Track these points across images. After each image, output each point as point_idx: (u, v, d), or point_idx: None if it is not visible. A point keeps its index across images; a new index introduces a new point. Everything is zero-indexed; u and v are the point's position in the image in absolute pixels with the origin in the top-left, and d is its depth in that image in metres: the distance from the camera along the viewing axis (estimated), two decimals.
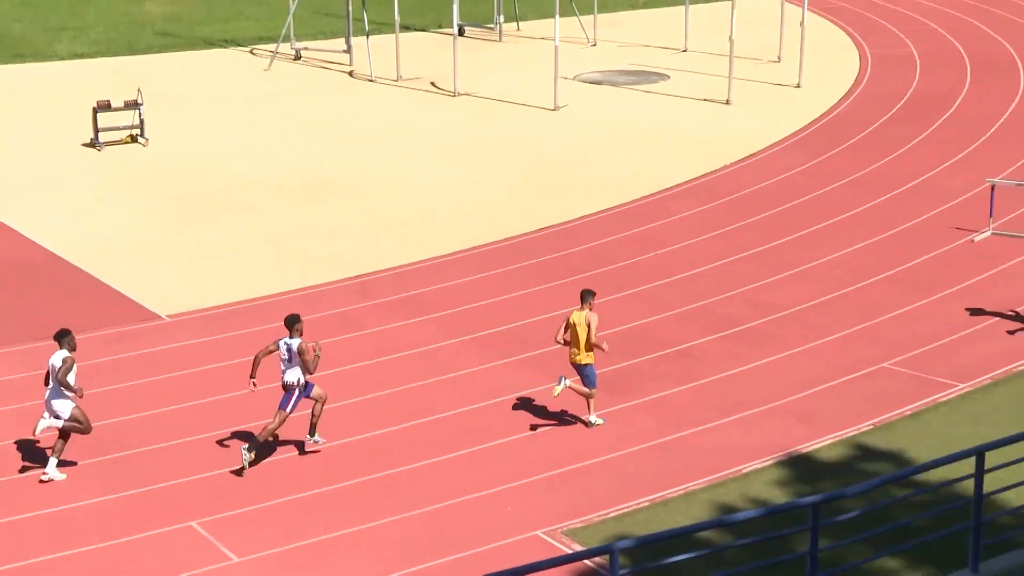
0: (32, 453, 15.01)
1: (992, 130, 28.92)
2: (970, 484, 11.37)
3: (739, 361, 17.28)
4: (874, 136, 28.80)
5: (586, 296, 15.34)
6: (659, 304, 19.23)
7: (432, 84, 35.10)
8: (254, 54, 39.53)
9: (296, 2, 39.07)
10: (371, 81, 35.55)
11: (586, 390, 15.47)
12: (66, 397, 14.24)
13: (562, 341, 15.40)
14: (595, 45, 39.78)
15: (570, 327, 15.27)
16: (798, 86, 33.52)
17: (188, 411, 16.10)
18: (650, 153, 27.95)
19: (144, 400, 16.45)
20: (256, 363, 14.56)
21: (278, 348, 14.55)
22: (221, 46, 40.77)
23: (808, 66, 33.96)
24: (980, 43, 38.22)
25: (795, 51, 34.50)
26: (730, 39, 32.26)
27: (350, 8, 37.84)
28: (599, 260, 21.30)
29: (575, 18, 40.57)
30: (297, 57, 38.75)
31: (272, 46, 39.02)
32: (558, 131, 30.00)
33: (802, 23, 34.18)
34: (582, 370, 15.33)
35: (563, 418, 15.80)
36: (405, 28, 40.48)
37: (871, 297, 19.34)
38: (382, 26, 40.36)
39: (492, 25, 42.15)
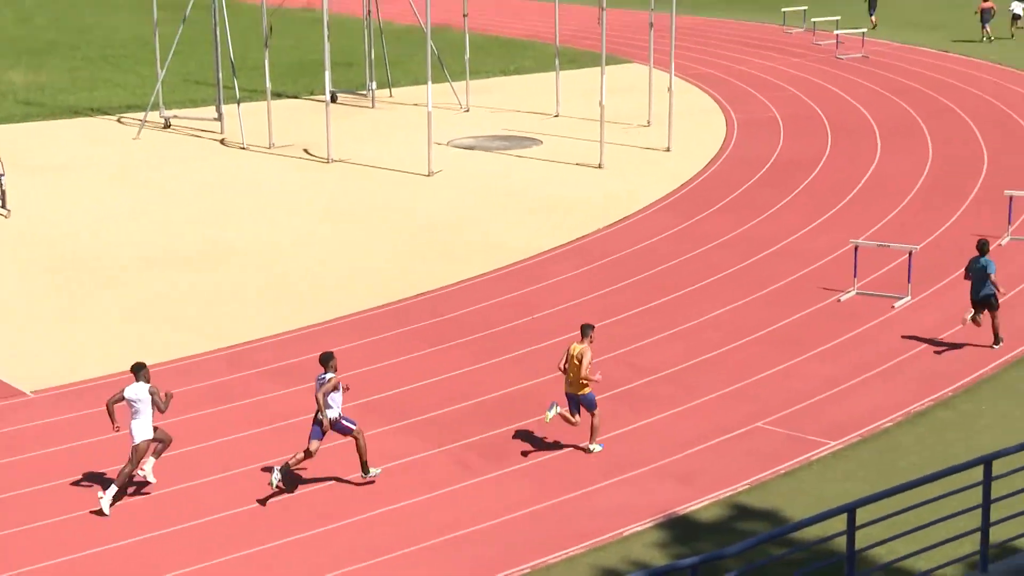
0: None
1: (853, 192, 29.81)
2: (843, 541, 11.57)
3: (618, 423, 17.42)
4: (742, 199, 29.47)
5: (586, 330, 16.37)
6: (538, 368, 19.32)
7: (305, 151, 35.06)
8: (122, 123, 39.06)
9: (164, 70, 38.80)
10: (243, 148, 35.37)
11: (575, 420, 16.38)
12: (150, 425, 15.00)
13: (562, 368, 16.37)
14: (468, 111, 40.16)
15: (569, 358, 16.27)
16: (668, 150, 34.22)
17: (52, 490, 15.63)
18: (525, 217, 28.21)
19: (7, 481, 15.94)
20: (318, 408, 15.18)
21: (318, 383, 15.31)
22: (87, 115, 40.22)
23: (677, 131, 34.72)
24: (840, 109, 39.51)
25: (664, 116, 35.25)
26: (600, 104, 32.83)
27: (220, 76, 37.71)
28: (477, 324, 21.38)
29: (448, 84, 40.94)
30: (167, 125, 38.43)
31: (141, 114, 38.59)
32: (433, 196, 30.14)
33: (670, 89, 34.99)
34: (581, 399, 16.27)
35: (442, 487, 15.73)
36: (277, 95, 40.45)
37: (744, 357, 19.70)
38: (253, 93, 40.28)
39: (365, 92, 42.32)
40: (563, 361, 16.42)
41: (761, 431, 17.15)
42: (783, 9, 58.08)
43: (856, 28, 51.83)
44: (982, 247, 19.90)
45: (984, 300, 19.80)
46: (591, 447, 16.60)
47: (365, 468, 15.58)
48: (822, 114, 38.69)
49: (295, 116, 39.37)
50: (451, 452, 16.66)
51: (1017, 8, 51.52)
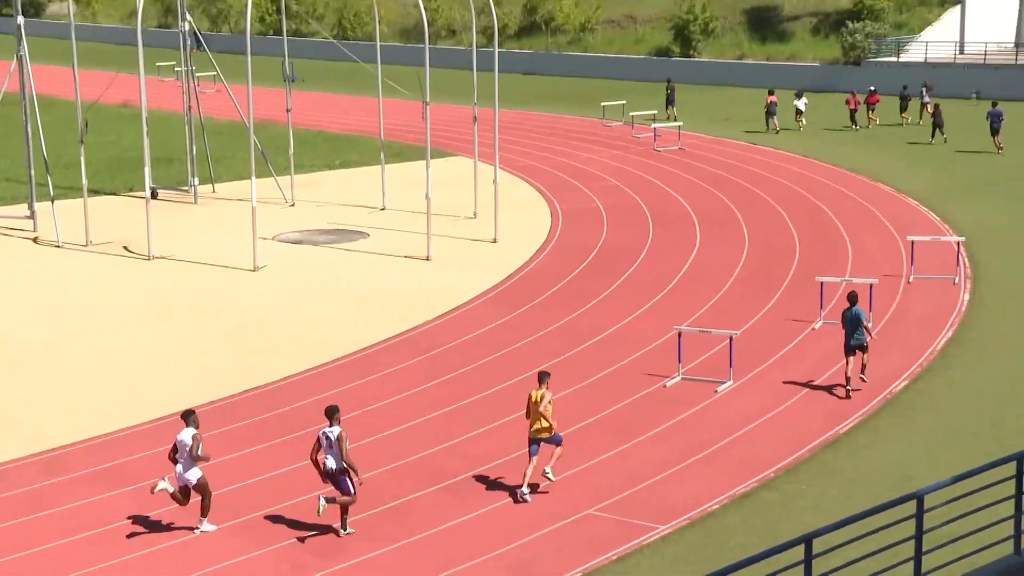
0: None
1: (675, 280, 30.65)
2: None
3: (451, 514, 17.46)
4: (568, 288, 30.03)
5: (543, 377, 18.08)
6: (370, 461, 19.25)
7: (125, 248, 34.47)
8: None
9: None
10: (58, 247, 34.56)
11: (558, 451, 18.03)
12: (195, 467, 16.72)
13: (526, 415, 18.08)
14: (293, 205, 40.10)
15: (531, 404, 17.88)
16: (494, 241, 34.70)
17: None
18: (354, 310, 28.22)
19: None
20: (316, 463, 16.70)
21: (319, 441, 16.71)
22: None
23: (503, 222, 35.27)
24: (660, 199, 40.67)
25: (490, 207, 35.77)
26: (427, 197, 33.18)
27: (32, 172, 36.90)
28: (308, 419, 21.22)
29: (272, 179, 40.83)
30: None
31: None
32: (259, 291, 29.94)
33: (495, 181, 35.58)
34: (548, 439, 17.82)
35: None
36: (94, 192, 39.79)
37: (574, 443, 19.96)
38: (69, 191, 39.50)
39: (186, 187, 41.92)
40: (527, 407, 18.07)
41: (593, 517, 17.36)
42: (602, 103, 59.77)
43: (673, 122, 53.62)
44: (852, 298, 22.40)
45: (858, 346, 22.25)
46: (547, 472, 17.97)
47: (344, 525, 16.87)
48: (643, 204, 39.77)
49: (114, 213, 38.74)
50: (282, 551, 16.40)
51: (799, 104, 54.35)
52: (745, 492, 18.33)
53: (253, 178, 32.56)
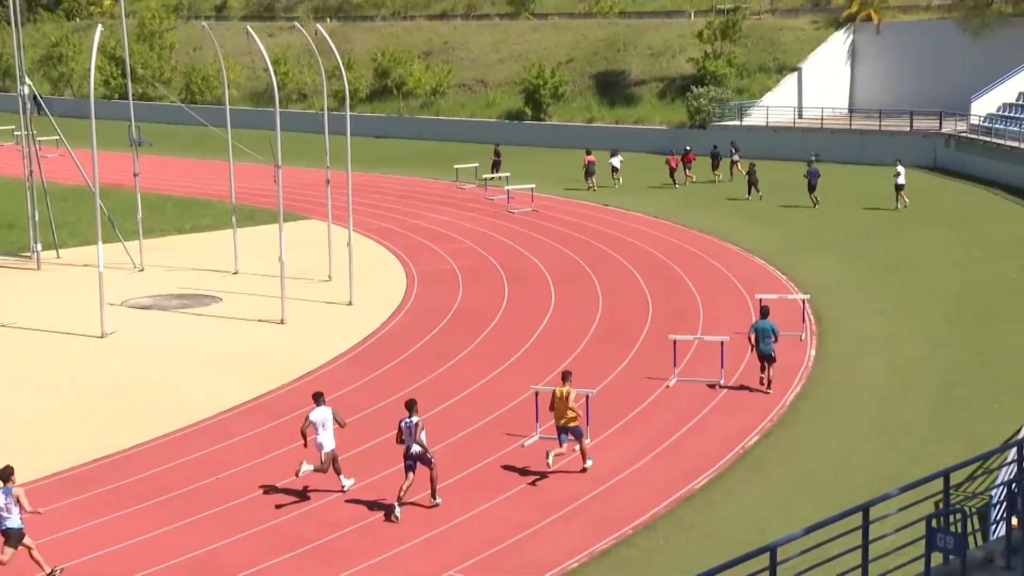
0: None
1: (531, 340, 30.98)
2: None
3: None
4: (426, 349, 30.16)
5: (567, 376, 21.48)
6: (225, 528, 19.02)
7: None
8: None
9: None
10: None
11: (579, 444, 21.27)
12: (331, 437, 20.47)
13: (551, 408, 21.16)
14: (143, 270, 39.56)
15: (556, 399, 20.98)
16: (350, 303, 34.64)
17: None
18: (206, 375, 27.91)
19: None
20: (400, 440, 19.86)
21: (401, 428, 19.87)
22: None
23: (358, 284, 35.20)
24: (515, 259, 41.14)
25: (345, 270, 35.71)
26: (280, 260, 33.03)
27: None
28: (161, 487, 20.88)
29: (120, 244, 40.18)
30: None
31: None
32: (108, 358, 29.42)
33: (349, 244, 35.58)
34: (571, 430, 21.02)
35: None
36: None
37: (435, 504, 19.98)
38: None
39: (29, 254, 40.98)
40: (551, 403, 21.33)
41: None
42: (455, 166, 60.30)
43: (527, 184, 54.23)
44: (764, 311, 26.19)
45: (767, 355, 25.50)
46: (587, 464, 21.42)
47: (434, 495, 19.88)
48: (498, 265, 40.15)
49: None
50: None
51: (615, 161, 56.98)
52: (604, 549, 18.61)
53: (100, 242, 32.08)
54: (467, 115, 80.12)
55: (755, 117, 69.06)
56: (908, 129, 62.49)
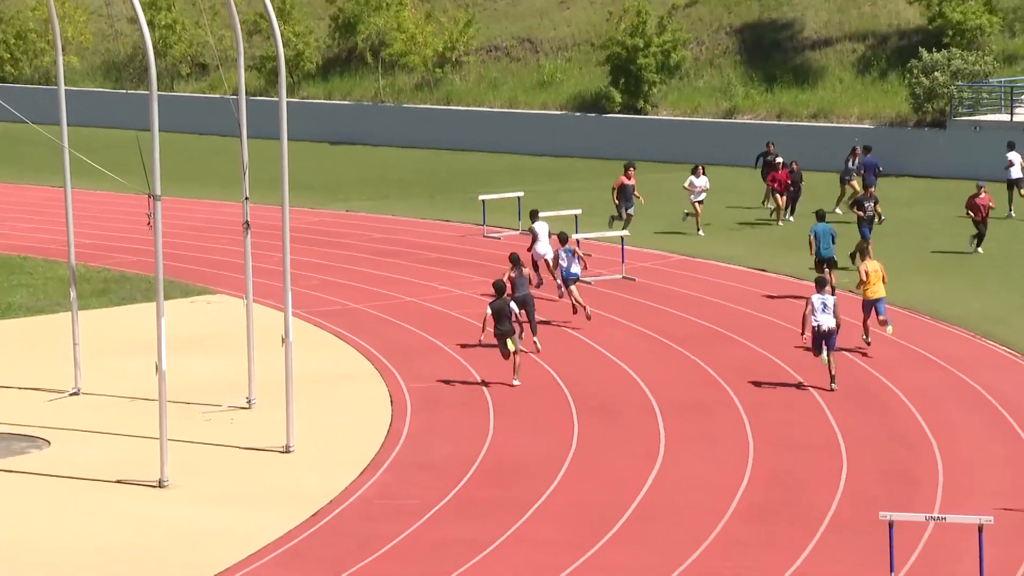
0: None
1: (620, 521, 22.65)
2: None
3: None
4: (423, 538, 22.62)
5: (864, 249, 28.92)
6: None
7: None
8: None
9: None
10: None
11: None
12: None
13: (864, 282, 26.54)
14: None
15: (873, 274, 26.65)
16: (286, 450, 25.48)
17: None
18: None
19: None
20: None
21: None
22: None
23: (303, 416, 26.10)
24: (587, 369, 30.13)
25: (278, 389, 26.49)
26: (158, 369, 25.53)
27: None
28: None
29: None
30: None
31: None
32: None
33: (286, 341, 26.77)
34: (876, 303, 26.60)
35: None
36: None
37: None
38: None
39: None
40: (865, 278, 25.81)
41: None
42: (480, 197, 46.29)
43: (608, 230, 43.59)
44: (820, 215, 30.04)
45: (828, 259, 29.38)
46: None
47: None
48: (559, 379, 30.06)
49: None
50: None
51: (697, 186, 47.03)
52: None
53: None
54: (502, 102, 59.19)
55: None
56: None
